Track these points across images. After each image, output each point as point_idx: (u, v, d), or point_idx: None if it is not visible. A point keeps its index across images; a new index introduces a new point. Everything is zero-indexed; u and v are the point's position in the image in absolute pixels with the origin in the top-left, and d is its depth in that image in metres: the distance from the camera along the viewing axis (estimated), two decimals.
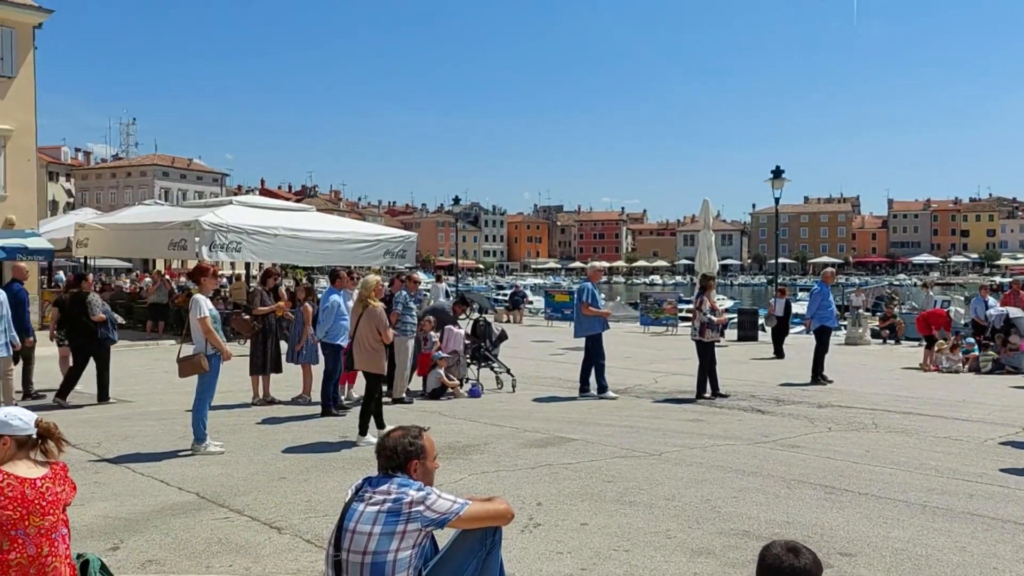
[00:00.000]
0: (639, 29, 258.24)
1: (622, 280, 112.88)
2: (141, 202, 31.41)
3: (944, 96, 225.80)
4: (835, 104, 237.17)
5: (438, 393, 11.23)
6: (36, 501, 3.18)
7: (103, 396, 10.55)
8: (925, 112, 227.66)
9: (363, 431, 8.08)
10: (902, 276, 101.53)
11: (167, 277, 24.15)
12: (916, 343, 18.57)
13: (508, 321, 27.83)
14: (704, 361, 11.17)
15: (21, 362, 10.61)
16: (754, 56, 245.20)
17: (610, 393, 11.22)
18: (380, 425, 8.17)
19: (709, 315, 11.22)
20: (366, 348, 8.15)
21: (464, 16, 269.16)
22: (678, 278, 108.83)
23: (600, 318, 11.50)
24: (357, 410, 8.70)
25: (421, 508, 3.07)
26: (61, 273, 28.26)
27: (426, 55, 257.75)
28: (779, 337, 18.09)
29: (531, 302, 35.93)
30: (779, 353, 17.61)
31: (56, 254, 21.55)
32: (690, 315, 29.05)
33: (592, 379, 11.32)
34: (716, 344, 11.57)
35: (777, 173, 22.39)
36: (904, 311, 24.92)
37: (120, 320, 12.01)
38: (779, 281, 24.73)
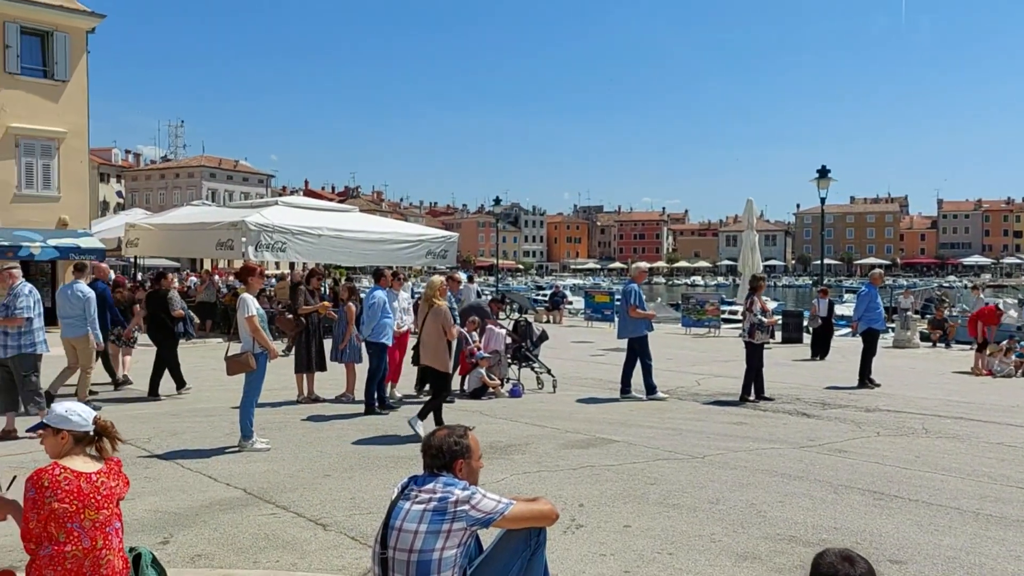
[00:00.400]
0: (680, 27, 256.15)
1: (663, 281, 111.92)
2: (189, 203, 32.02)
3: (995, 94, 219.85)
4: (882, 103, 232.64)
5: (479, 392, 11.26)
6: (91, 495, 3.26)
7: (153, 392, 10.83)
8: (976, 110, 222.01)
9: (422, 416, 8.35)
10: (952, 278, 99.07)
11: (215, 276, 24.59)
12: (967, 347, 18.10)
13: (548, 321, 27.81)
14: (752, 363, 11.05)
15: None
16: (797, 54, 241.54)
17: (660, 394, 11.15)
18: (438, 423, 8.37)
19: (760, 316, 11.08)
20: (431, 345, 8.47)
21: (505, 16, 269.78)
22: (720, 279, 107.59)
23: (646, 320, 11.42)
24: (403, 409, 8.86)
25: (466, 507, 3.08)
26: (112, 272, 29.04)
27: (467, 55, 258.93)
28: (823, 338, 17.89)
29: (570, 302, 35.83)
30: (822, 354, 17.50)
31: (107, 253, 22.09)
32: (732, 317, 28.75)
33: (636, 381, 11.26)
34: (765, 346, 11.43)
35: (823, 173, 22.01)
36: (954, 314, 24.32)
37: (195, 319, 12.58)
38: (824, 282, 24.33)
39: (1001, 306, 18.05)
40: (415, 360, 9.32)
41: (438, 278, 9.04)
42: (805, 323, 21.09)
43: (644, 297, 11.72)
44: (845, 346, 19.77)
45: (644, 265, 12.81)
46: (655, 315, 13.33)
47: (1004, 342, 15.82)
